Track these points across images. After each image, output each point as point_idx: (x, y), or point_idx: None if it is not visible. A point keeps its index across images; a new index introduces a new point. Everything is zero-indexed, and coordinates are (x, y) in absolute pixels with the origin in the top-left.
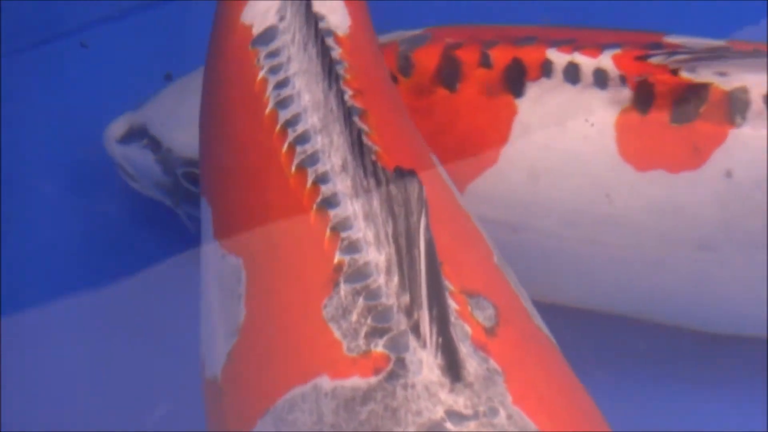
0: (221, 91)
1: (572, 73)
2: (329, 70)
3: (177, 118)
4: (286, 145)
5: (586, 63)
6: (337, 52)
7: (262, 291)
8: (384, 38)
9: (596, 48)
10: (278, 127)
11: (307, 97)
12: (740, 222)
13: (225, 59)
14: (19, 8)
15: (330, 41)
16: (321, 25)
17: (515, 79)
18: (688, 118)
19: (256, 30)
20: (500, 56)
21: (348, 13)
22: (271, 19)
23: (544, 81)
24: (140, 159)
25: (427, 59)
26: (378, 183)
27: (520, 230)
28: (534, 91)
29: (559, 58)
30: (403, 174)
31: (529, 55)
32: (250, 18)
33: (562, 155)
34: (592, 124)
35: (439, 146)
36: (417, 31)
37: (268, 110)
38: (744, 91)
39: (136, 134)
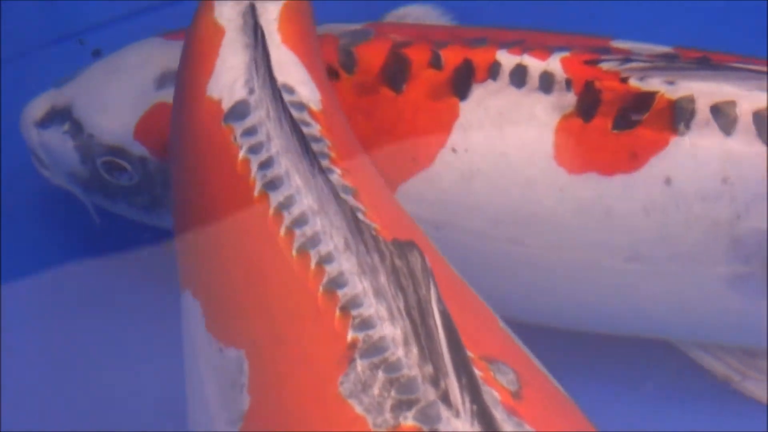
0: (197, 172)
1: (519, 76)
2: (306, 147)
3: (103, 99)
4: (283, 229)
5: (534, 65)
6: (316, 129)
7: (269, 377)
8: (333, 30)
9: (545, 50)
10: (272, 210)
11: (297, 177)
12: (679, 232)
13: (196, 136)
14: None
15: (305, 116)
16: (292, 98)
17: (462, 81)
18: (629, 125)
19: (226, 104)
20: (451, 57)
21: (316, 85)
22: (239, 93)
23: (489, 83)
24: (58, 145)
25: (373, 56)
26: (382, 258)
27: (443, 228)
28: (478, 93)
29: (507, 59)
30: (402, 246)
31: (479, 56)
32: (217, 92)
33: (498, 158)
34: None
35: (375, 147)
36: (356, 26)
37: (257, 193)
38: (690, 100)
39: (58, 116)
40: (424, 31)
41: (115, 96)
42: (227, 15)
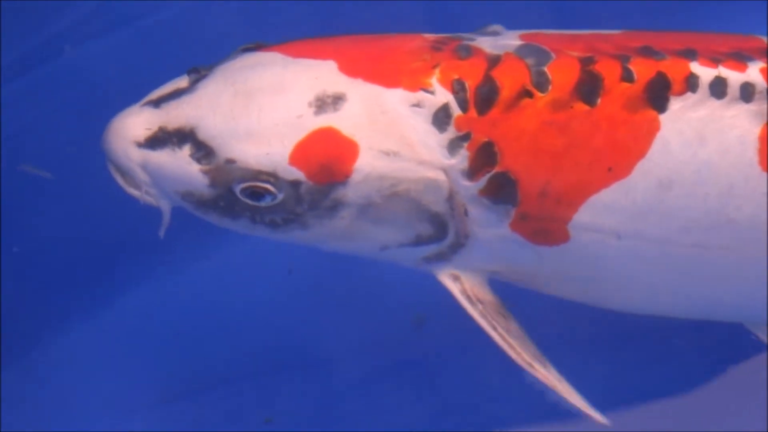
0: None
1: (719, 88)
2: None
3: (246, 124)
4: None
5: (734, 77)
6: None
7: None
8: (484, 46)
9: (741, 62)
10: None
11: None
12: None
13: None
14: None
15: None
16: None
17: (659, 94)
18: None
19: None
20: (641, 70)
21: None
22: None
23: (689, 95)
24: (174, 168)
25: (565, 74)
26: None
27: (625, 237)
28: (677, 105)
29: (704, 72)
30: None
31: (671, 69)
32: None
33: (699, 167)
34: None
35: (571, 160)
36: (515, 40)
37: None
38: None
39: (173, 138)
40: (591, 42)
41: (262, 121)
42: None
